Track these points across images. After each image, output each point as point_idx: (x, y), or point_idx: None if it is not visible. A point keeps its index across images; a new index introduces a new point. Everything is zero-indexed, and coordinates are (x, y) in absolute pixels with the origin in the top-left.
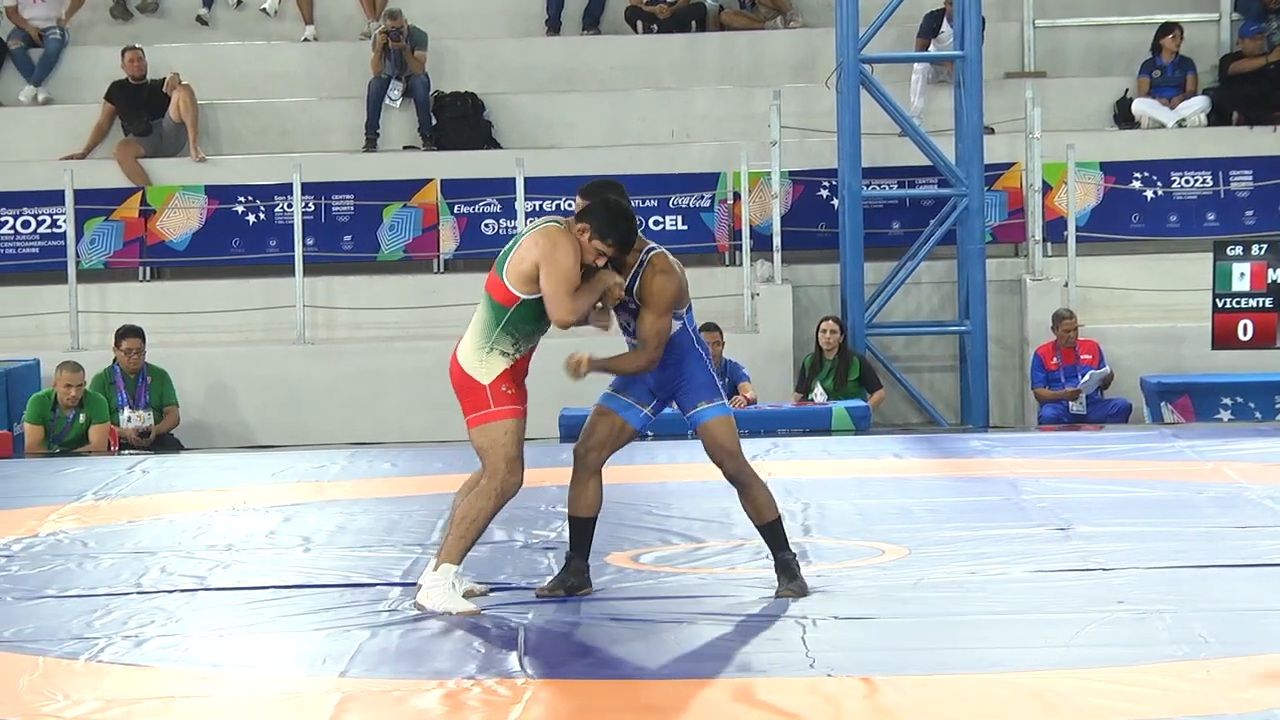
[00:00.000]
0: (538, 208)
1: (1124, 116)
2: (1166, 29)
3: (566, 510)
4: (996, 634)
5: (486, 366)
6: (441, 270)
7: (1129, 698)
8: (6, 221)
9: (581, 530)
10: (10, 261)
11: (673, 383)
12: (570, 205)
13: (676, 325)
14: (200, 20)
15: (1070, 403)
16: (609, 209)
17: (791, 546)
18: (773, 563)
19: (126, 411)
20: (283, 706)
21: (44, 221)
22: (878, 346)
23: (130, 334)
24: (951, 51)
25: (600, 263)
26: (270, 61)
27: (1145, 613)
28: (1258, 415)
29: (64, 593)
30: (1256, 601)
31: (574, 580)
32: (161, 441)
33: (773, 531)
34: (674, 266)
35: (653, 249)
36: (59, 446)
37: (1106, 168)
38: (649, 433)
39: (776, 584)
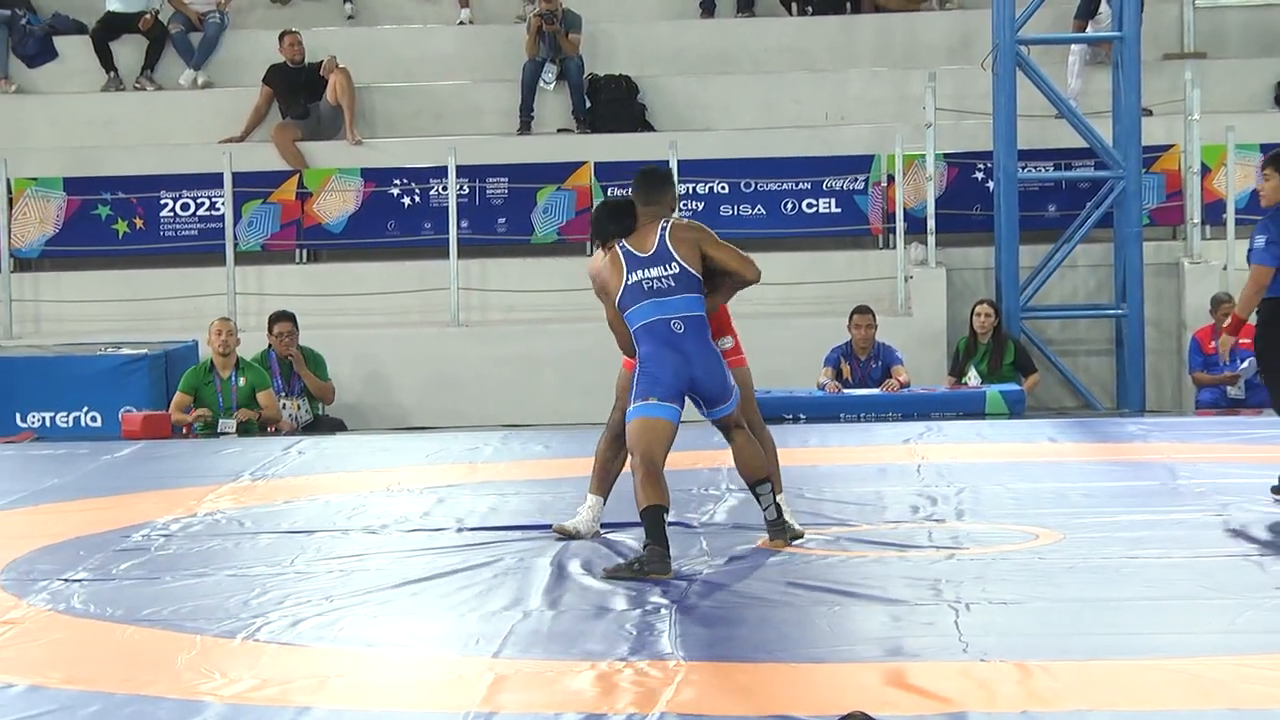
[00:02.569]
0: (691, 190)
1: None
2: None
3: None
4: (1153, 619)
5: None
6: (594, 253)
7: None
8: (166, 204)
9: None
10: (169, 244)
11: None
12: (723, 189)
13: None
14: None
15: (1228, 387)
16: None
17: (663, 543)
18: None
19: (282, 400)
20: (436, 687)
21: (203, 204)
22: (1032, 330)
23: (282, 319)
24: (1109, 32)
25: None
26: (426, 45)
27: None
28: None
29: (221, 572)
30: None
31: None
32: (322, 423)
33: (645, 517)
34: (598, 259)
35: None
36: (233, 412)
37: (1267, 150)
38: (793, 416)
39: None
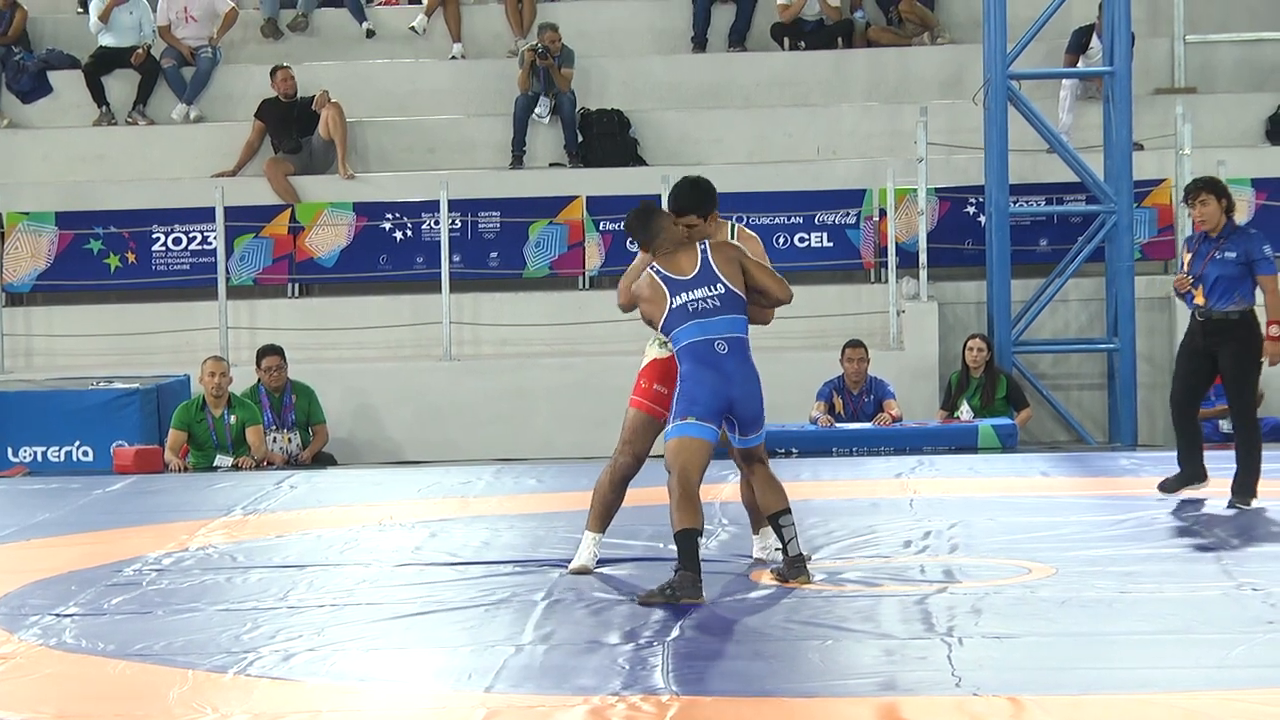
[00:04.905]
0: None
1: (1276, 132)
2: None
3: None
4: (1145, 654)
5: (646, 353)
6: (587, 287)
7: None
8: (158, 238)
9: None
10: (161, 278)
11: None
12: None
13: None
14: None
15: (1220, 421)
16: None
17: (695, 568)
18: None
19: (273, 433)
20: None
21: (195, 238)
22: (1025, 364)
23: (270, 353)
24: (1100, 67)
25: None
26: (418, 79)
27: None
28: None
29: (213, 607)
30: None
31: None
32: (315, 458)
33: (679, 541)
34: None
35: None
36: (229, 452)
37: (1258, 184)
38: (785, 450)
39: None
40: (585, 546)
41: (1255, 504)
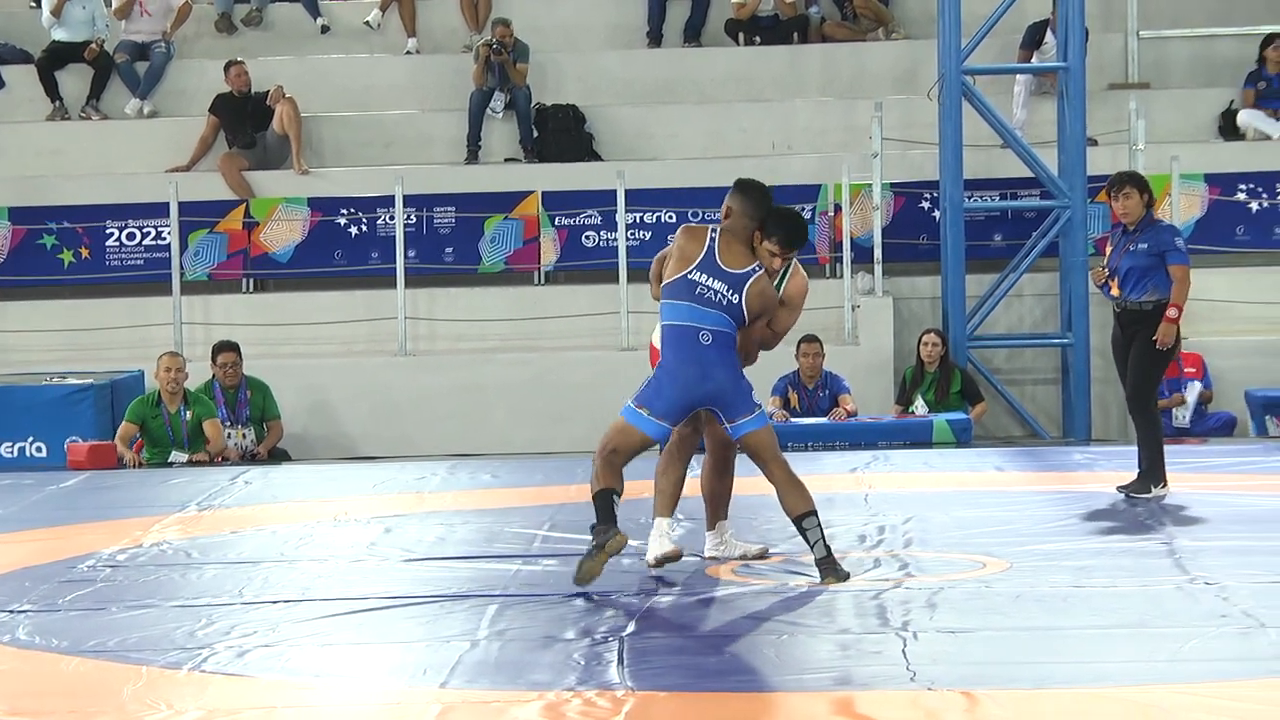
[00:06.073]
0: (638, 219)
1: (1229, 128)
2: (1270, 39)
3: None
4: (1099, 648)
5: (653, 339)
6: (542, 282)
7: (1234, 713)
8: (112, 234)
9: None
10: (115, 273)
11: None
12: (670, 219)
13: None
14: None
15: (1175, 410)
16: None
17: (610, 520)
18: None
19: (228, 429)
20: (383, 717)
21: (149, 234)
22: (979, 359)
23: (225, 349)
24: (1054, 63)
25: (776, 264)
26: (373, 74)
27: (1250, 627)
28: None
29: (168, 603)
30: None
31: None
32: (270, 454)
33: (596, 500)
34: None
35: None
36: (186, 449)
37: (1211, 179)
38: None
39: None
40: (656, 536)
41: (1160, 490)
